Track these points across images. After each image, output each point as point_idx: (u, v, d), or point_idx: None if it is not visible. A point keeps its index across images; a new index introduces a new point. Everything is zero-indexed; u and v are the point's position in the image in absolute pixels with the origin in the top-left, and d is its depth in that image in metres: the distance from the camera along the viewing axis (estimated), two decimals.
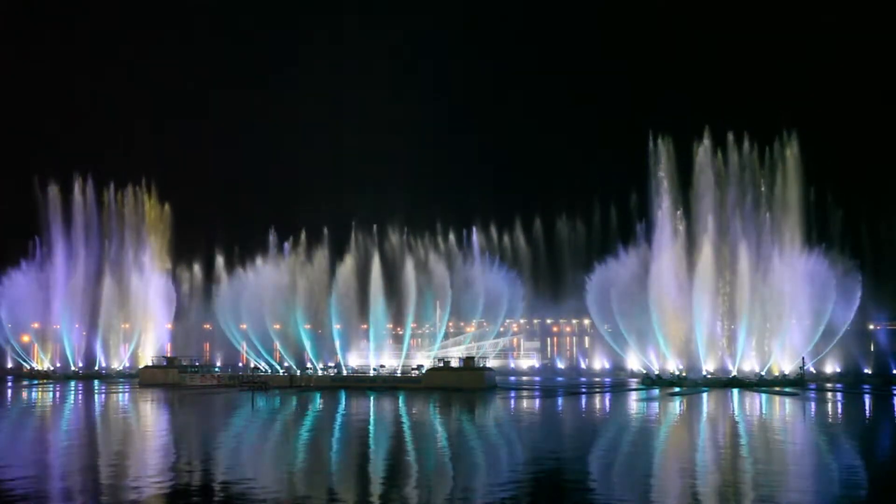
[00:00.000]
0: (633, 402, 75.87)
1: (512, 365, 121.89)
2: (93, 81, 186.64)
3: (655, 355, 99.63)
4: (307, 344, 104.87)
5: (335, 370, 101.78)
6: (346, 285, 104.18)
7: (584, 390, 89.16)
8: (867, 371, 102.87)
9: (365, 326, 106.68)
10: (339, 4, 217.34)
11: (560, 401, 78.41)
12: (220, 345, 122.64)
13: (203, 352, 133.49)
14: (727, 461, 41.38)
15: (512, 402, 78.73)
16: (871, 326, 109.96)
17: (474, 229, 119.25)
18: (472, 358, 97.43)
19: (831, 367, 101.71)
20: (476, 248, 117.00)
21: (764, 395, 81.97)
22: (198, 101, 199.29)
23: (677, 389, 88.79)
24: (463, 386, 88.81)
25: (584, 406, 74.14)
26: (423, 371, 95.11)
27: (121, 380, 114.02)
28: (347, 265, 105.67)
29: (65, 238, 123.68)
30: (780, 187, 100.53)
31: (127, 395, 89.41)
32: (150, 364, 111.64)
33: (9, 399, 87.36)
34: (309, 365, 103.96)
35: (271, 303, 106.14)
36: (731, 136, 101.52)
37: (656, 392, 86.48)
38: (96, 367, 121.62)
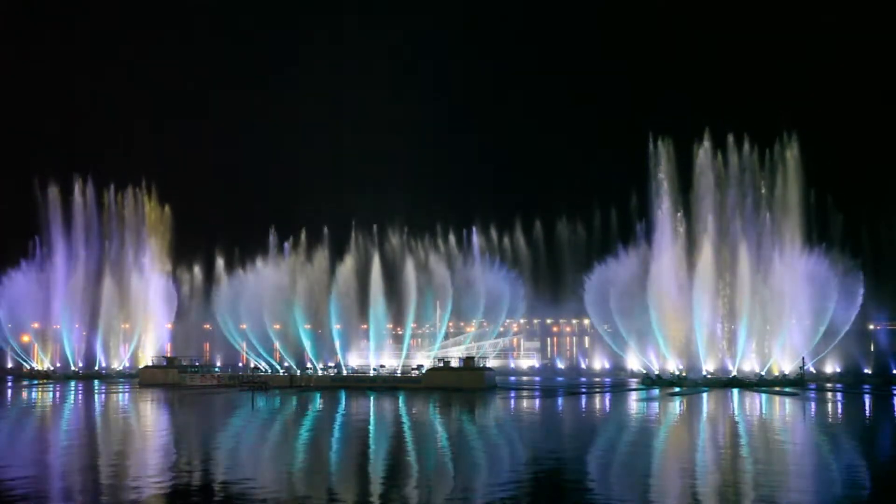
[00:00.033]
0: (633, 402, 75.87)
1: (512, 365, 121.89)
2: (93, 81, 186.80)
3: (655, 355, 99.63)
4: (307, 344, 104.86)
5: (335, 370, 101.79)
6: (346, 285, 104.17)
7: (584, 390, 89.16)
8: (867, 371, 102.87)
9: (365, 326, 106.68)
10: (339, 4, 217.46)
11: (560, 401, 78.41)
12: (220, 345, 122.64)
13: (203, 352, 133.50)
14: (727, 461, 41.37)
15: (512, 402, 78.72)
16: (871, 326, 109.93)
17: (474, 229, 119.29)
18: (472, 358, 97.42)
19: (831, 367, 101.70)
20: (476, 248, 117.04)
21: (764, 395, 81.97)
22: (198, 101, 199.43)
23: (677, 389, 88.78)
24: (463, 386, 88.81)
25: (584, 406, 74.14)
26: (423, 371, 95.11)
27: (121, 380, 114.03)
28: (347, 265, 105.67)
29: (65, 239, 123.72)
30: (780, 189, 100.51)
31: (127, 395, 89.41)
32: (150, 364, 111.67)
33: (9, 399, 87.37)
34: (309, 365, 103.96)
35: (271, 303, 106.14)
36: (731, 138, 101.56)
37: (656, 392, 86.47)
38: (96, 367, 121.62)
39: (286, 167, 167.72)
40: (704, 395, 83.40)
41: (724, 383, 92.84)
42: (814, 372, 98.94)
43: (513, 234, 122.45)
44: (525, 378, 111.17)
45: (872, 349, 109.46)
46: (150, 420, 65.85)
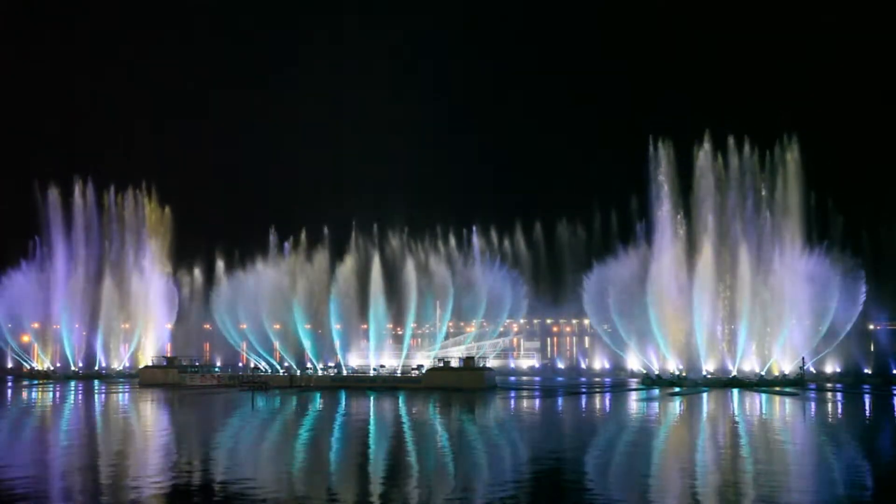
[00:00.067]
0: (633, 402, 75.87)
1: (512, 365, 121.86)
2: (93, 81, 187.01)
3: (655, 355, 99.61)
4: (307, 344, 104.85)
5: (335, 370, 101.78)
6: (346, 285, 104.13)
7: (584, 390, 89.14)
8: (867, 371, 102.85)
9: (365, 326, 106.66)
10: (339, 4, 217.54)
11: (560, 401, 78.40)
12: (220, 345, 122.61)
13: (203, 352, 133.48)
14: (727, 461, 41.37)
15: (512, 402, 78.72)
16: (871, 326, 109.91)
17: (474, 229, 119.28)
18: (472, 358, 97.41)
19: (831, 367, 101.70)
20: (476, 248, 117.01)
21: (764, 395, 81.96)
22: (198, 101, 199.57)
23: (677, 389, 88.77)
24: (463, 386, 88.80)
25: (584, 406, 74.13)
26: (423, 371, 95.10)
27: (121, 380, 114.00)
28: (347, 265, 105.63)
29: (65, 240, 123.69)
30: (780, 191, 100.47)
31: (127, 395, 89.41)
32: (150, 364, 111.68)
33: (9, 399, 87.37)
34: (309, 365, 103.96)
35: (271, 303, 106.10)
36: (731, 141, 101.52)
37: (656, 392, 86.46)
38: (96, 368, 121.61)
39: (286, 167, 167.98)
40: (704, 395, 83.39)
41: (724, 383, 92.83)
42: (814, 372, 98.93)
43: (513, 234, 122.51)
44: (525, 378, 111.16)
45: (872, 349, 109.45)
46: (150, 420, 65.85)
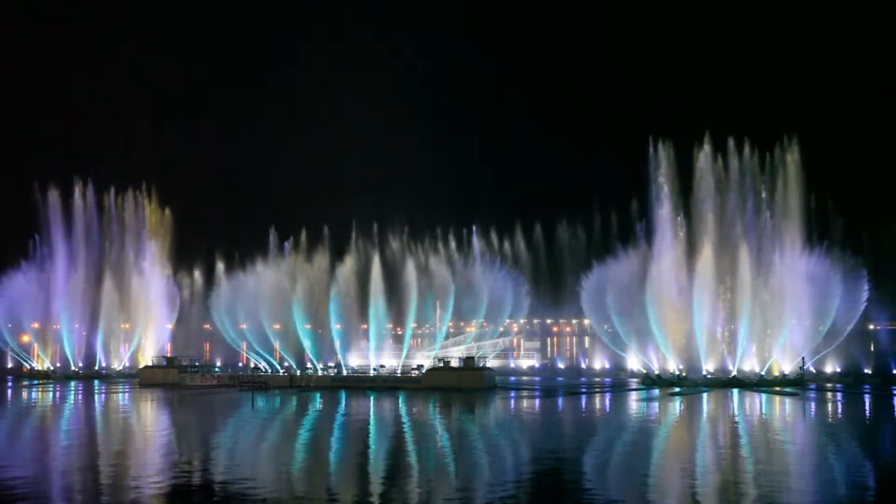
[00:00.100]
0: (634, 402, 75.85)
1: (512, 365, 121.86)
2: (93, 81, 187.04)
3: (655, 355, 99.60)
4: (307, 344, 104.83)
5: (335, 370, 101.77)
6: (346, 285, 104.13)
7: (584, 390, 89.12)
8: (867, 371, 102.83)
9: (365, 326, 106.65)
10: (339, 4, 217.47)
11: (560, 401, 78.38)
12: (220, 345, 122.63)
13: (203, 352, 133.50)
14: (727, 461, 41.36)
15: (512, 402, 78.70)
16: (871, 326, 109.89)
17: (474, 229, 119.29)
18: (472, 358, 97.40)
19: (831, 367, 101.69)
20: (476, 248, 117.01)
21: (764, 395, 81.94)
22: (198, 101, 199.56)
23: (677, 389, 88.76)
24: (463, 386, 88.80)
25: (584, 406, 74.10)
26: (423, 371, 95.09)
27: (121, 380, 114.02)
28: (347, 265, 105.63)
29: (65, 241, 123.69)
30: (780, 193, 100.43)
31: (127, 395, 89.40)
32: (150, 364, 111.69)
33: (9, 399, 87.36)
34: (309, 365, 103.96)
35: (271, 303, 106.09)
36: (731, 142, 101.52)
37: (656, 392, 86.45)
38: (96, 367, 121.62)
39: (286, 167, 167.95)
40: (704, 395, 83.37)
41: (724, 383, 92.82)
42: (814, 372, 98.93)
43: (513, 234, 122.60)
44: (525, 378, 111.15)
45: (872, 349, 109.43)
46: (150, 420, 65.83)
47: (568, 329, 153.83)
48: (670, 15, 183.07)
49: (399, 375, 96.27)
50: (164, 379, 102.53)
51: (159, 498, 32.32)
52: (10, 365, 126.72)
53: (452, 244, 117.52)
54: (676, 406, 73.18)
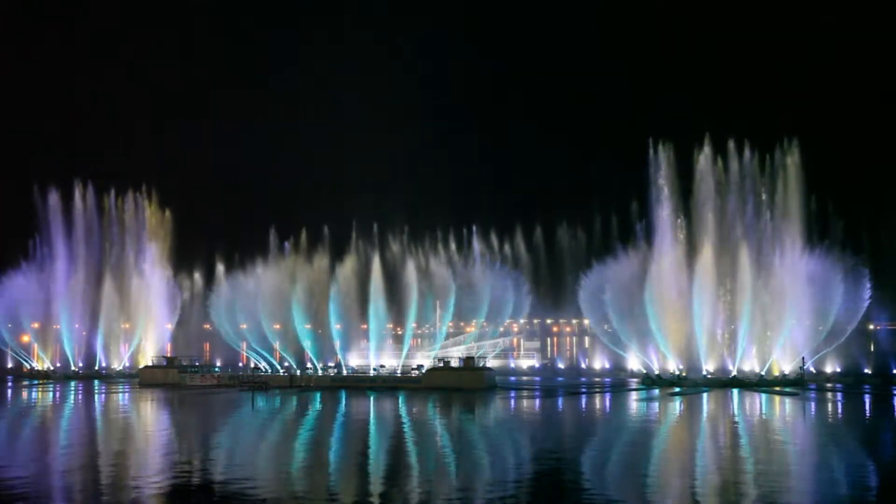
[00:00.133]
0: (634, 402, 75.85)
1: (512, 365, 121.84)
2: (93, 81, 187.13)
3: (655, 355, 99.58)
4: (307, 344, 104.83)
5: (335, 370, 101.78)
6: (346, 285, 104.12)
7: (584, 390, 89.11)
8: (867, 371, 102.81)
9: (365, 326, 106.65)
10: (339, 4, 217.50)
11: (560, 401, 78.37)
12: (220, 345, 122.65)
13: (203, 352, 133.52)
14: (727, 461, 41.35)
15: (512, 402, 78.69)
16: (872, 326, 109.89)
17: (474, 229, 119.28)
18: (472, 358, 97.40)
19: (831, 367, 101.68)
20: (476, 249, 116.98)
21: (764, 396, 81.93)
22: (198, 101, 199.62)
23: (677, 389, 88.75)
24: (463, 386, 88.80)
25: (584, 406, 74.09)
26: (423, 371, 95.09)
27: (121, 380, 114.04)
28: (347, 265, 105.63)
29: (66, 243, 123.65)
30: (780, 195, 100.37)
31: (127, 395, 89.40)
32: (150, 364, 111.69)
33: (9, 399, 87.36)
34: (309, 365, 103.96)
35: (271, 303, 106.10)
36: (731, 144, 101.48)
37: (656, 392, 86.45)
38: (96, 367, 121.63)
39: (286, 167, 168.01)
40: (704, 395, 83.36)
41: (724, 383, 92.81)
42: (814, 372, 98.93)
43: (513, 234, 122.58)
44: (525, 378, 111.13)
45: (873, 349, 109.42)
46: (150, 420, 65.83)
47: (568, 329, 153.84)
48: (670, 15, 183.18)
49: (399, 375, 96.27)
50: (164, 379, 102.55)
51: (159, 498, 32.32)
52: (10, 365, 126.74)
53: (452, 244, 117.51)
54: (676, 406, 73.16)
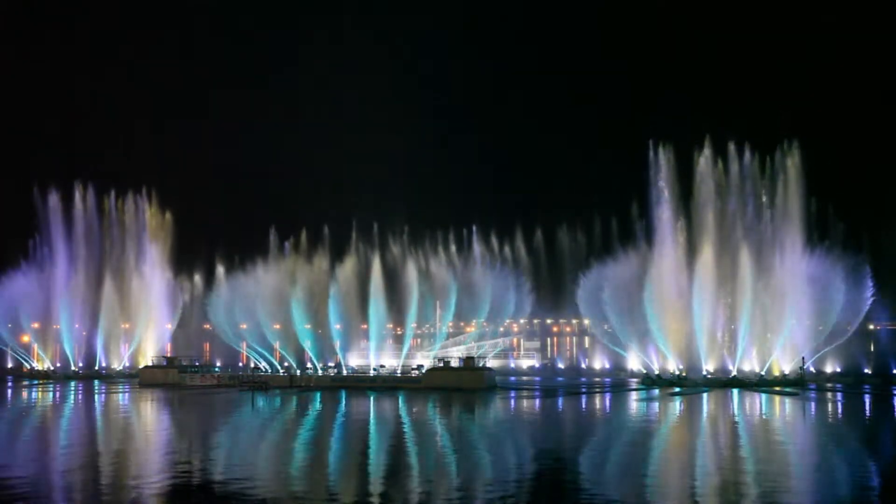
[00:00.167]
0: (634, 402, 75.85)
1: (512, 365, 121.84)
2: (93, 81, 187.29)
3: (656, 355, 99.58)
4: (307, 344, 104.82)
5: (335, 370, 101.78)
6: (346, 285, 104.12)
7: (584, 390, 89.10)
8: (867, 371, 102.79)
9: (365, 326, 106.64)
10: (339, 4, 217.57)
11: (560, 401, 78.37)
12: (220, 345, 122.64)
13: (203, 352, 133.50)
14: (727, 461, 41.34)
15: (512, 402, 78.68)
16: (872, 326, 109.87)
17: (474, 229, 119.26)
18: (472, 358, 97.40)
19: (831, 367, 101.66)
20: (476, 249, 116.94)
21: (764, 396, 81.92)
22: (198, 101, 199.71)
23: (677, 389, 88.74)
24: (463, 386, 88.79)
25: (584, 406, 74.09)
26: (423, 371, 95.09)
27: (121, 380, 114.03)
28: (348, 265, 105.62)
29: (66, 244, 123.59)
30: (781, 197, 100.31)
31: (127, 395, 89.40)
32: (150, 364, 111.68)
33: (9, 399, 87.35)
34: (309, 365, 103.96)
35: (272, 303, 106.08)
36: (732, 147, 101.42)
37: (656, 392, 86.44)
38: (96, 367, 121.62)
39: (286, 167, 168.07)
40: (704, 395, 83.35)
41: (723, 383, 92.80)
42: (814, 372, 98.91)
43: (513, 234, 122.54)
44: (525, 378, 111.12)
45: (873, 349, 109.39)
46: (150, 420, 65.83)
47: (568, 329, 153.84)
48: (670, 15, 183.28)
49: (399, 375, 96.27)
50: (164, 379, 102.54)
51: (159, 498, 32.32)
52: (10, 365, 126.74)
53: (452, 244, 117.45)
54: (676, 406, 73.16)
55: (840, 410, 71.67)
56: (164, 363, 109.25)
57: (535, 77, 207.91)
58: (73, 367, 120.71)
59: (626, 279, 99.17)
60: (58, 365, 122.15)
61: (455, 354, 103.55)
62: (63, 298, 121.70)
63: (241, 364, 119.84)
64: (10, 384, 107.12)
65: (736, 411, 68.71)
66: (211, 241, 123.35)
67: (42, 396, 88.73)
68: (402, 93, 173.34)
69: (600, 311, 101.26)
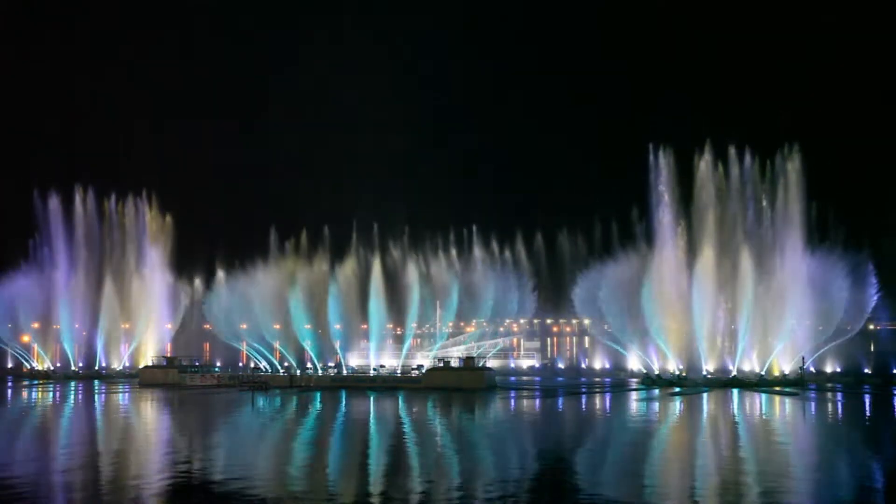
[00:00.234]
0: (634, 402, 75.85)
1: (512, 365, 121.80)
2: (93, 81, 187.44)
3: (655, 355, 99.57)
4: (307, 344, 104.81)
5: (335, 370, 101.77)
6: (346, 285, 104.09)
7: (584, 390, 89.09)
8: (867, 371, 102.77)
9: (365, 326, 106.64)
10: (339, 4, 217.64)
11: (560, 401, 78.38)
12: (220, 344, 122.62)
13: (203, 352, 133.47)
14: (727, 461, 41.35)
15: (512, 402, 78.69)
16: (872, 326, 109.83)
17: (474, 229, 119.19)
18: (472, 358, 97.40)
19: (831, 366, 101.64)
20: (476, 249, 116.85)
21: (764, 396, 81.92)
22: (198, 101, 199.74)
23: (677, 389, 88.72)
24: (463, 386, 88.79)
25: (584, 406, 74.10)
26: (423, 371, 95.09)
27: (121, 380, 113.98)
28: (348, 265, 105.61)
29: (66, 247, 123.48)
30: (781, 201, 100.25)
31: (127, 395, 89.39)
32: (150, 364, 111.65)
33: (9, 399, 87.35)
34: (309, 365, 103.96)
35: (272, 303, 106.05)
36: (732, 150, 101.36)
37: (656, 392, 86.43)
38: (96, 367, 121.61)
39: (286, 167, 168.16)
40: (704, 395, 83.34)
41: (724, 383, 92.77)
42: (814, 372, 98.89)
43: (513, 234, 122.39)
44: (525, 378, 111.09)
45: (873, 349, 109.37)
46: (150, 420, 65.84)
47: (568, 329, 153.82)
48: (670, 15, 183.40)
49: (399, 375, 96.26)
50: (164, 379, 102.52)
51: (159, 497, 32.33)
52: (10, 365, 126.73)
53: (452, 244, 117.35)
54: (676, 406, 73.17)
55: (840, 410, 71.66)
56: (164, 363, 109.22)
57: (535, 77, 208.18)
58: (73, 367, 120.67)
59: (623, 278, 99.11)
60: (58, 365, 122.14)
61: (455, 354, 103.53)
62: (63, 298, 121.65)
63: (241, 364, 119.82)
64: (10, 384, 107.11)
65: (736, 411, 68.72)
66: (211, 242, 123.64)
67: (42, 396, 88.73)
68: (402, 93, 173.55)
69: (597, 311, 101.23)
